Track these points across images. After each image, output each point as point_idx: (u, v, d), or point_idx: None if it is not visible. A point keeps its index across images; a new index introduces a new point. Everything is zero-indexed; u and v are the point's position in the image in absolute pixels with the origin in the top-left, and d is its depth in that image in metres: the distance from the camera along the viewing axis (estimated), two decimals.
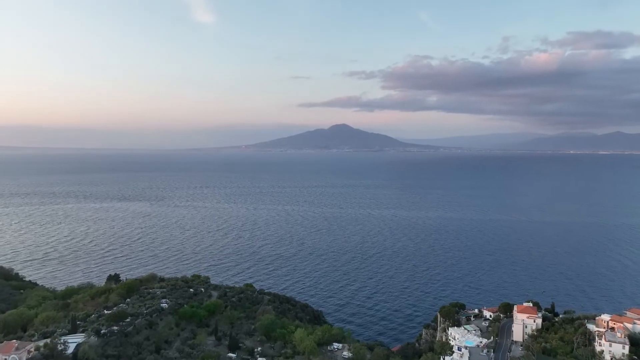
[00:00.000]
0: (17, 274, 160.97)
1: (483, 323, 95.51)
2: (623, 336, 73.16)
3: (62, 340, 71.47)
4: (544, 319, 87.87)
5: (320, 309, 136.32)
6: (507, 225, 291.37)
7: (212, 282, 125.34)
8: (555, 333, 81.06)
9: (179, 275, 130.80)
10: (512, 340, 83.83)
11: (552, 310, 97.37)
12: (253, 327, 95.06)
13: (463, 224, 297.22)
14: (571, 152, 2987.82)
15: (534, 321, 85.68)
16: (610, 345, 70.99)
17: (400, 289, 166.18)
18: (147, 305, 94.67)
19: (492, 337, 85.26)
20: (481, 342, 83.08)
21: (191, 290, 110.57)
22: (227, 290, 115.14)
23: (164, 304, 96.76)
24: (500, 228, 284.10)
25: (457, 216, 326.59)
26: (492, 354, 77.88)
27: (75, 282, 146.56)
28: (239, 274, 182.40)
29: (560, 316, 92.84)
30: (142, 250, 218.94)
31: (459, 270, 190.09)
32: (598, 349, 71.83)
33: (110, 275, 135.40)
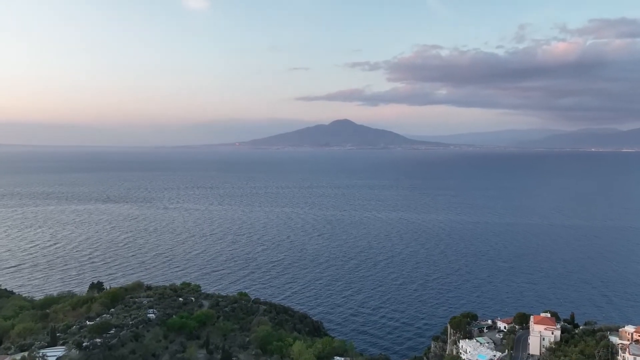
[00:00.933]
0: None
1: (497, 335, 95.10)
2: None
3: (40, 354, 71.49)
4: (563, 330, 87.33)
5: (321, 320, 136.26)
6: (524, 229, 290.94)
7: (203, 290, 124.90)
8: (575, 346, 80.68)
9: (167, 283, 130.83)
10: (529, 354, 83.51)
11: (571, 321, 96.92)
12: (247, 339, 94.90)
13: (477, 227, 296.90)
14: (592, 149, 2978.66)
15: (552, 333, 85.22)
16: (635, 359, 70.75)
17: (409, 298, 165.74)
18: (132, 316, 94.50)
19: (506, 351, 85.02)
20: (495, 355, 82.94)
21: (181, 299, 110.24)
22: (220, 299, 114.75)
23: (151, 315, 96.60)
24: (517, 232, 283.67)
25: (471, 219, 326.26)
26: None
27: (54, 291, 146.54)
28: (233, 282, 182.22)
29: (581, 328, 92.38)
30: (128, 256, 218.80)
31: (472, 278, 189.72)
32: None
33: (92, 283, 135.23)
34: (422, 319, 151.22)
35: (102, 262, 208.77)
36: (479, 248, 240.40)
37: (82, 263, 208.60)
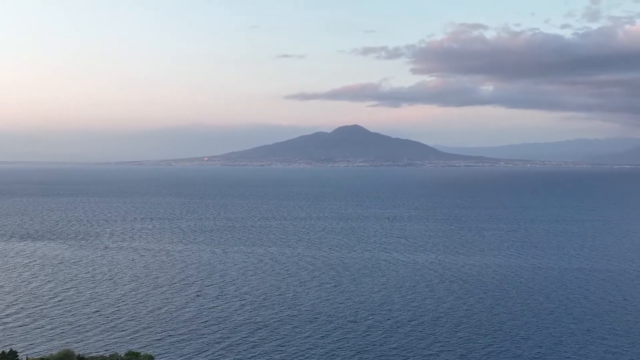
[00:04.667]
0: None
1: None
2: None
3: None
4: None
5: None
6: (605, 278, 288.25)
7: None
8: None
9: (107, 353, 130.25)
10: None
11: None
12: None
13: (538, 275, 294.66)
14: None
15: None
16: None
17: None
18: None
19: None
20: None
21: None
22: None
23: None
24: (594, 282, 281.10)
25: (530, 263, 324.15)
26: None
27: None
28: (199, 352, 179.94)
29: None
30: (53, 315, 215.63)
31: (532, 345, 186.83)
32: None
33: (3, 352, 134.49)
34: None
35: (16, 324, 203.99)
36: (541, 303, 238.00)
37: None
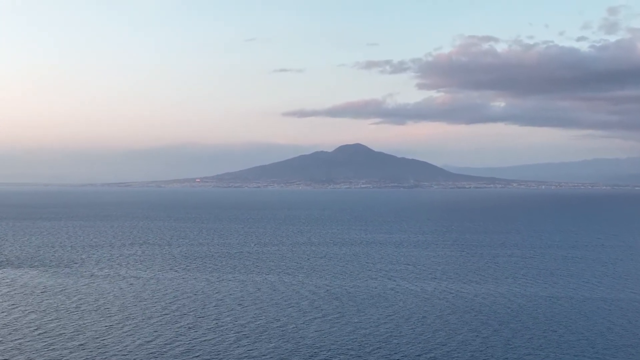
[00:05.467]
0: None
1: None
2: None
3: None
4: None
5: None
6: (629, 308, 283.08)
7: None
8: None
9: None
10: None
11: None
12: None
13: (558, 305, 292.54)
14: None
15: None
16: None
17: None
18: None
19: None
20: None
21: None
22: None
23: None
24: (618, 312, 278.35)
25: (548, 292, 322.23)
26: None
27: None
28: None
29: None
30: (36, 349, 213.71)
31: None
32: None
33: None
34: None
35: None
36: (561, 335, 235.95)
37: None
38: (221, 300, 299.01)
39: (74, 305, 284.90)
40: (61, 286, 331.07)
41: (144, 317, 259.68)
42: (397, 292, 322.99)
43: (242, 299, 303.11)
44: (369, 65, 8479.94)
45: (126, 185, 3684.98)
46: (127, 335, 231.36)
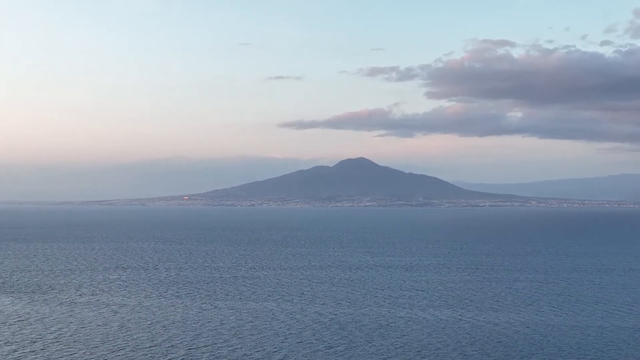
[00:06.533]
0: None
1: None
2: None
3: None
4: None
5: None
6: None
7: None
8: None
9: None
10: None
11: None
12: None
13: (585, 334, 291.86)
14: None
15: None
16: None
17: None
18: None
19: None
20: None
21: None
22: None
23: None
24: None
25: (574, 320, 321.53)
26: None
27: None
28: None
29: None
30: None
31: None
32: None
33: None
34: None
35: None
36: None
37: None
38: (215, 330, 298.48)
39: (53, 335, 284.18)
40: (38, 314, 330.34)
41: (130, 349, 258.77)
42: (408, 320, 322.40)
43: (238, 328, 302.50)
44: (374, 72, 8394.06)
45: (107, 204, 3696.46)
46: None
